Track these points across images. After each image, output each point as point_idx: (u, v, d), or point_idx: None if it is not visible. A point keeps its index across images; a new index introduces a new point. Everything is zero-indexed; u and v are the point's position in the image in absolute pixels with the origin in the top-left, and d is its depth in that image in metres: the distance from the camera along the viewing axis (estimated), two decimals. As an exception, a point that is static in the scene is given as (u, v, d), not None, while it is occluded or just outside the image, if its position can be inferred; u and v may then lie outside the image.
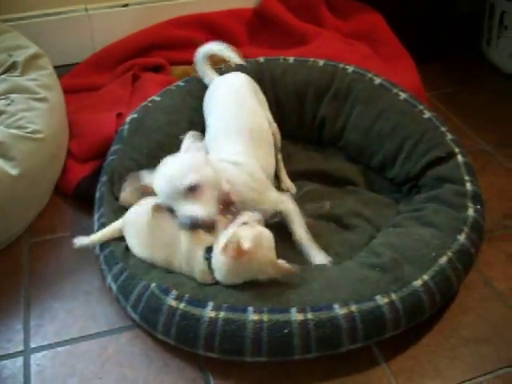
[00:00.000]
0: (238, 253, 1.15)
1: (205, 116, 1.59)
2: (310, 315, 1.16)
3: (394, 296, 1.20)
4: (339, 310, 1.17)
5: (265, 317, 1.16)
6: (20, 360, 1.23)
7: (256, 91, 1.59)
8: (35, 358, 1.24)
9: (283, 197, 1.41)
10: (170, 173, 1.19)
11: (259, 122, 1.49)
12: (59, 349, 1.25)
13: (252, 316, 1.16)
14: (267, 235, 1.21)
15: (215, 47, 1.61)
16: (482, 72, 2.27)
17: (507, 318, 1.32)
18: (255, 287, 1.22)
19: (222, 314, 1.16)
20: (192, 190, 1.17)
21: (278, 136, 1.58)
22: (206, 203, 1.19)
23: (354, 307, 1.18)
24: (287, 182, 1.61)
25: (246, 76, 1.61)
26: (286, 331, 1.15)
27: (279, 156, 1.60)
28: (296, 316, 1.16)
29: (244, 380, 1.19)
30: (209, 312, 1.17)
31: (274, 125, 1.58)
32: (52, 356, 1.24)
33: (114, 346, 1.26)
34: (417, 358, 1.24)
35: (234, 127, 1.44)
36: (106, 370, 1.21)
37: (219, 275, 1.22)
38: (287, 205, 1.39)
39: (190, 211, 1.17)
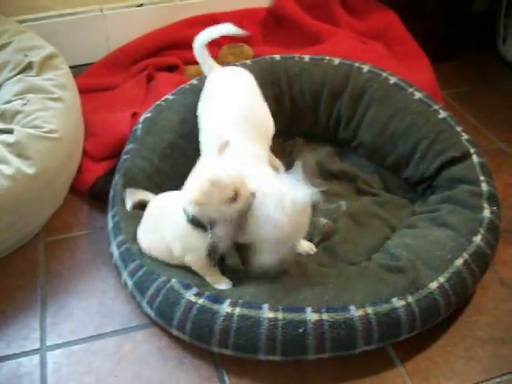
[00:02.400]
0: None
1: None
2: (325, 316, 1.16)
3: (410, 298, 1.20)
4: (355, 312, 1.16)
5: (280, 315, 1.16)
6: (36, 358, 1.24)
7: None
8: (51, 356, 1.24)
9: None
10: None
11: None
12: (75, 347, 1.26)
13: (267, 313, 1.16)
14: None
15: (213, 32, 1.55)
16: (498, 71, 2.25)
17: (524, 319, 1.32)
18: (272, 285, 1.22)
19: (237, 310, 1.17)
20: None
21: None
22: None
23: (370, 309, 1.17)
24: None
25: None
26: (300, 330, 1.15)
27: None
28: (311, 316, 1.16)
29: (259, 378, 1.19)
30: (225, 307, 1.18)
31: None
32: (68, 354, 1.25)
33: (130, 344, 1.26)
34: (432, 358, 1.23)
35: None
36: (122, 368, 1.22)
37: None
38: None
39: None
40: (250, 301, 1.19)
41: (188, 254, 1.26)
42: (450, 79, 2.16)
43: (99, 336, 1.28)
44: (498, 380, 1.19)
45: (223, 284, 1.27)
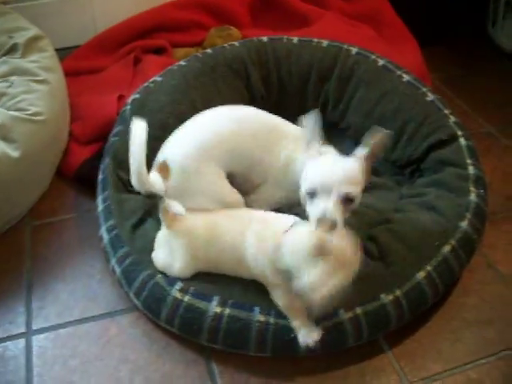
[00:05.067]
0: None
1: None
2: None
3: (398, 292, 1.20)
4: (345, 315, 1.16)
5: (271, 319, 1.15)
6: (22, 342, 1.24)
7: None
8: (37, 340, 1.24)
9: None
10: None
11: None
12: (61, 330, 1.26)
13: (258, 317, 1.16)
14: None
15: None
16: (488, 54, 2.25)
17: (510, 301, 1.32)
18: (262, 289, 1.21)
19: (227, 311, 1.16)
20: None
21: None
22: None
23: (359, 310, 1.17)
24: None
25: None
26: (292, 335, 1.15)
27: None
28: None
29: (246, 363, 1.19)
30: (214, 307, 1.17)
31: None
32: (54, 338, 1.24)
33: (116, 327, 1.26)
34: (419, 340, 1.24)
35: None
36: (108, 352, 1.21)
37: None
38: None
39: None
40: (240, 301, 1.18)
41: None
42: (440, 63, 2.16)
43: (85, 320, 1.28)
44: (484, 361, 1.20)
45: (315, 334, 1.14)
